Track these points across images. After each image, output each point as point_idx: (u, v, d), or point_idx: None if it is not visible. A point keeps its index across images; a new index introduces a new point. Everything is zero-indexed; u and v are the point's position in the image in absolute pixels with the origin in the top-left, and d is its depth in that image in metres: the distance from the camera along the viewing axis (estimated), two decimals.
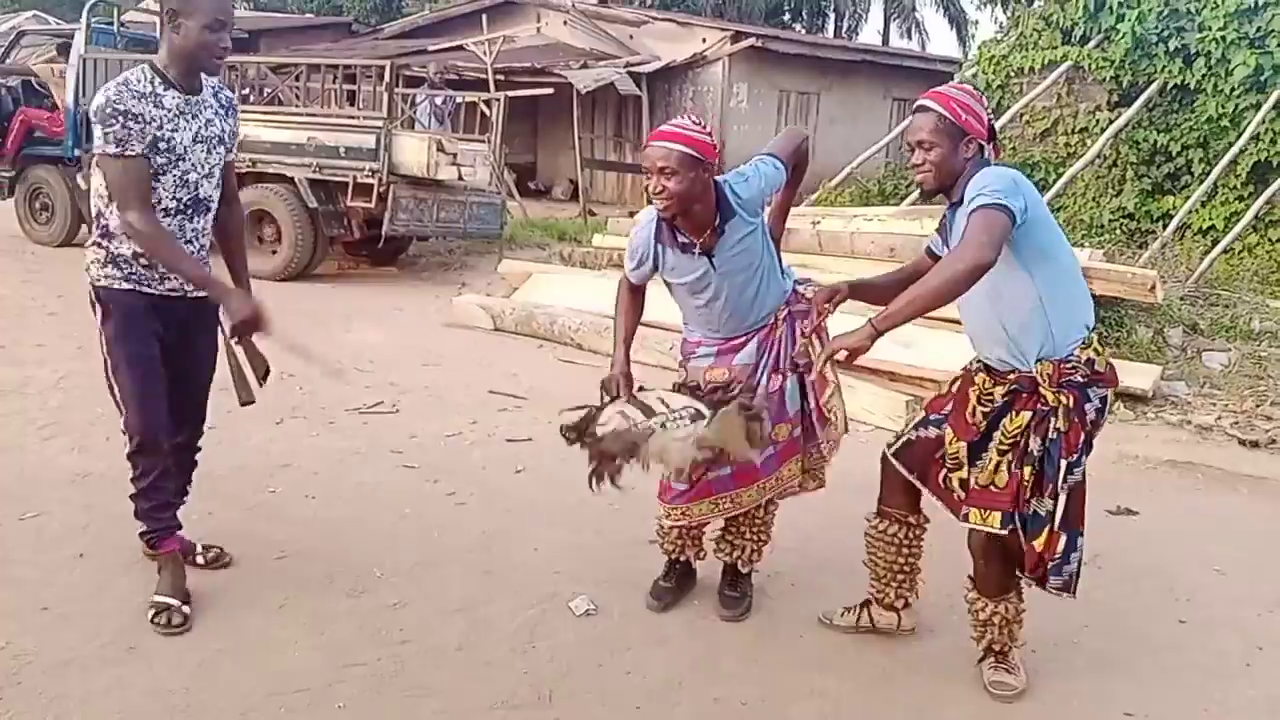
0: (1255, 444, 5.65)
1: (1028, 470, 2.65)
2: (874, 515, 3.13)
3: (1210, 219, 11.09)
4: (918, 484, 3.02)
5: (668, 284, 3.20)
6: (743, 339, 3.14)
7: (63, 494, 4.09)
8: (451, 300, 8.52)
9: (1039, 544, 2.69)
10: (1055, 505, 2.67)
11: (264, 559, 3.61)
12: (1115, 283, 6.60)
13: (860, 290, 2.94)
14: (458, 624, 3.24)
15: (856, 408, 5.81)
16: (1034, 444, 2.64)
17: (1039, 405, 2.64)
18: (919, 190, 2.87)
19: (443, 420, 5.42)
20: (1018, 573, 2.83)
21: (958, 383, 2.94)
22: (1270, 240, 10.85)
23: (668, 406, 2.95)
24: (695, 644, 3.19)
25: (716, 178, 2.97)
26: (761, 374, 3.10)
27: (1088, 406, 2.66)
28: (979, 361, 2.87)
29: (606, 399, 3.08)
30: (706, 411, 2.88)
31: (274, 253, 9.37)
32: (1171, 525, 4.49)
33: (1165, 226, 10.77)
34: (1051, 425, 2.63)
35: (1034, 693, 2.95)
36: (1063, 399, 2.61)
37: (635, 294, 3.26)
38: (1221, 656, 3.30)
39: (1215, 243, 10.35)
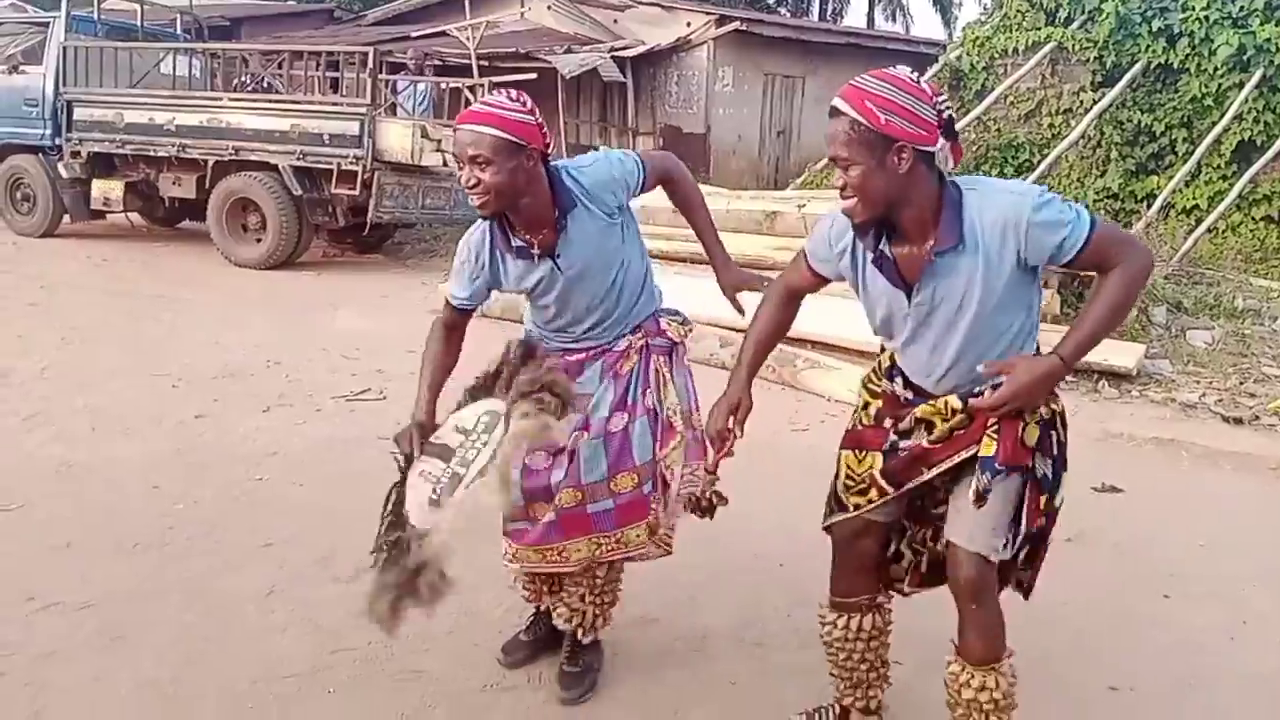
0: (1239, 421, 5.69)
1: (1044, 499, 2.16)
2: (830, 614, 2.46)
3: (1194, 198, 11.15)
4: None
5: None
6: (582, 355, 2.64)
7: (48, 484, 4.06)
8: (438, 287, 8.49)
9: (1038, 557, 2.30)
10: (1049, 523, 2.22)
11: (252, 546, 3.61)
12: None
13: (754, 372, 2.43)
14: (447, 609, 3.18)
15: (842, 388, 5.85)
16: (1044, 467, 2.15)
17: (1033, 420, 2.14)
18: (854, 228, 2.14)
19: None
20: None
21: (868, 411, 2.37)
22: (1254, 219, 10.92)
23: (464, 431, 2.49)
24: (680, 624, 3.20)
25: (555, 163, 2.50)
26: (597, 407, 2.59)
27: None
28: (910, 389, 2.27)
29: (403, 463, 2.59)
30: (501, 407, 2.44)
31: (258, 241, 9.36)
32: (1156, 502, 4.52)
33: (1149, 206, 10.82)
34: (1055, 440, 2.17)
35: (1015, 666, 2.88)
36: (1054, 406, 2.16)
37: (452, 332, 2.70)
38: (1206, 630, 3.32)
39: (1199, 222, 10.41)
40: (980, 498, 2.10)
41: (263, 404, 5.24)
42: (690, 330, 2.78)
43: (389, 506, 2.55)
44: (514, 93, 2.44)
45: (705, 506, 2.58)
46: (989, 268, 2.01)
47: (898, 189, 1.98)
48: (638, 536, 2.63)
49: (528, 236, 2.49)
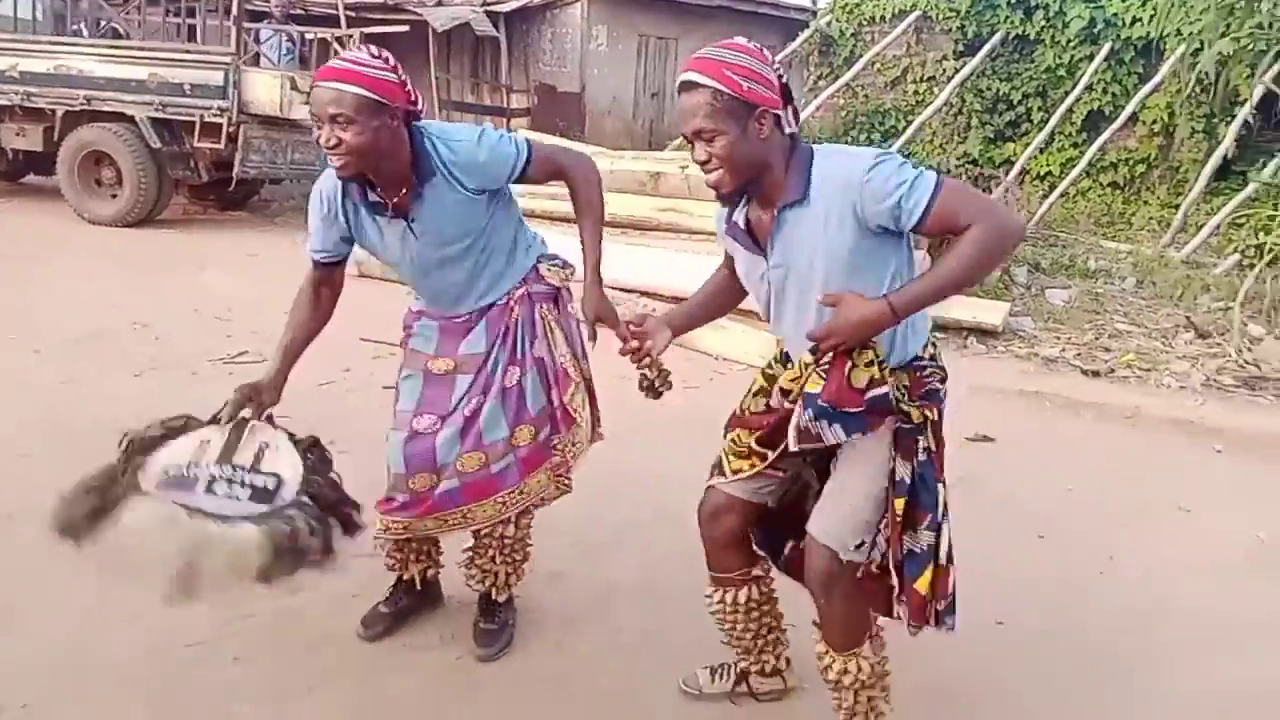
0: (1096, 373, 6.07)
1: (900, 502, 2.10)
2: (710, 588, 2.49)
3: (1048, 165, 11.74)
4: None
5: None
6: (466, 317, 2.60)
7: None
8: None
9: (923, 585, 2.13)
10: (938, 537, 2.13)
11: None
12: None
13: (679, 327, 2.41)
14: (352, 571, 3.14)
15: (730, 347, 5.96)
16: (902, 470, 2.10)
17: (900, 424, 2.09)
18: (715, 196, 2.13)
19: (314, 369, 5.16)
20: (879, 618, 2.31)
21: (758, 398, 2.35)
22: (1102, 185, 11.58)
23: (255, 455, 2.38)
24: (587, 578, 3.24)
25: (423, 125, 2.42)
26: (494, 367, 2.57)
27: (943, 413, 2.18)
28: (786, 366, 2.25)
29: (223, 414, 2.48)
30: (274, 483, 2.33)
31: (114, 196, 8.83)
32: (1025, 450, 4.79)
33: (1008, 172, 11.33)
34: (920, 446, 2.11)
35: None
36: (927, 413, 2.10)
37: (319, 290, 2.63)
38: (1078, 566, 3.57)
39: (1053, 187, 10.97)
40: (802, 435, 2.05)
41: (134, 368, 5.00)
42: (571, 273, 2.74)
43: (133, 444, 2.46)
44: (375, 49, 2.36)
45: (649, 385, 2.38)
46: (830, 227, 2.00)
47: (761, 154, 2.00)
48: (539, 484, 2.64)
49: (384, 195, 2.42)
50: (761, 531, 2.41)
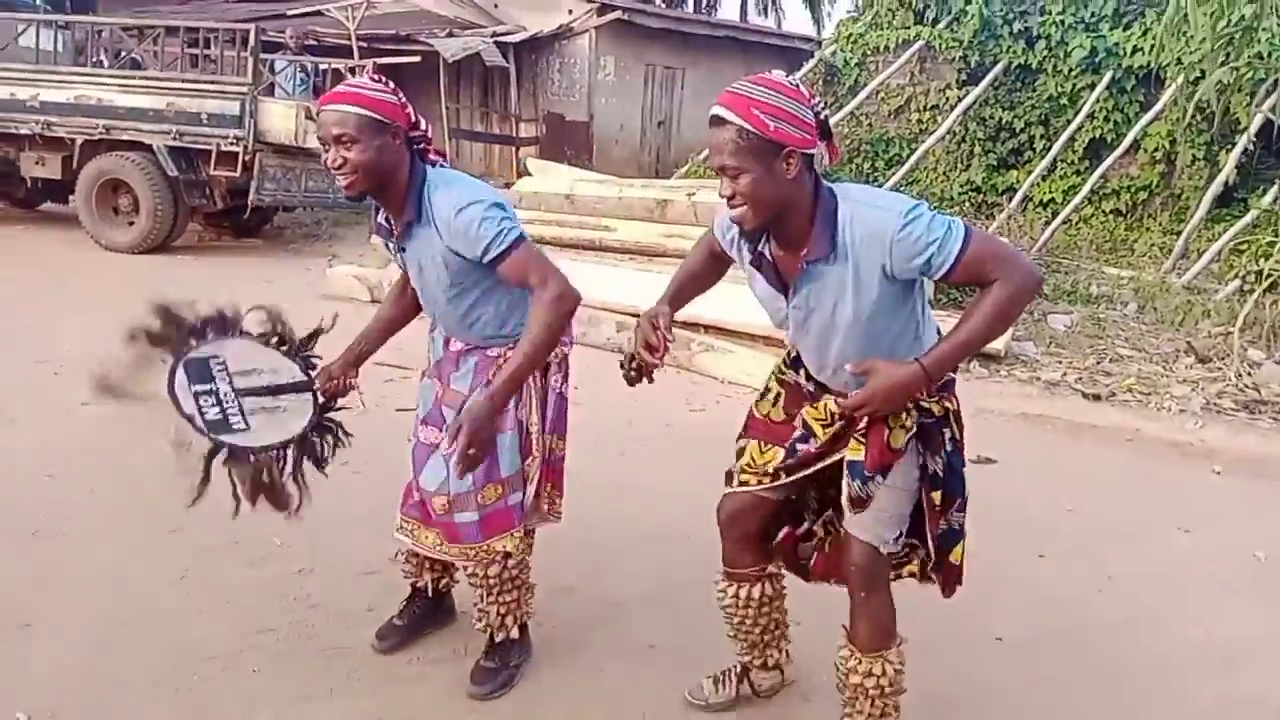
0: (1097, 397, 6.14)
1: (936, 495, 2.21)
2: (722, 581, 2.56)
3: (1050, 192, 11.85)
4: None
5: None
6: (461, 346, 2.62)
7: None
8: (325, 271, 8.35)
9: (956, 556, 2.30)
10: (965, 515, 2.29)
11: (158, 533, 3.54)
12: None
13: (676, 302, 2.44)
14: (366, 587, 3.27)
15: (736, 371, 6.05)
16: (934, 465, 2.19)
17: (922, 419, 2.16)
18: (739, 232, 2.18)
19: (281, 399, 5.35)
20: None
21: (777, 404, 2.42)
22: (1104, 212, 11.69)
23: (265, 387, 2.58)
24: (596, 592, 3.31)
25: (432, 171, 2.46)
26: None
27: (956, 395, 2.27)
28: (811, 381, 2.32)
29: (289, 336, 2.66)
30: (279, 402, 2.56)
31: (131, 224, 8.99)
32: (1028, 471, 4.86)
33: (1010, 199, 11.46)
34: (946, 437, 2.19)
35: (905, 623, 2.64)
36: (947, 404, 2.18)
37: (404, 288, 2.80)
38: (1077, 583, 3.64)
39: (1055, 214, 11.08)
40: (856, 503, 2.18)
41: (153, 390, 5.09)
42: (567, 350, 2.70)
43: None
44: (374, 75, 2.50)
45: (633, 373, 2.37)
46: (858, 279, 2.02)
47: (786, 194, 1.98)
48: (503, 547, 2.61)
49: (390, 218, 2.52)
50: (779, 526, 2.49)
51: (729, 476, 2.49)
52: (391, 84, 2.45)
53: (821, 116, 2.00)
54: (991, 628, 3.23)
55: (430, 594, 2.96)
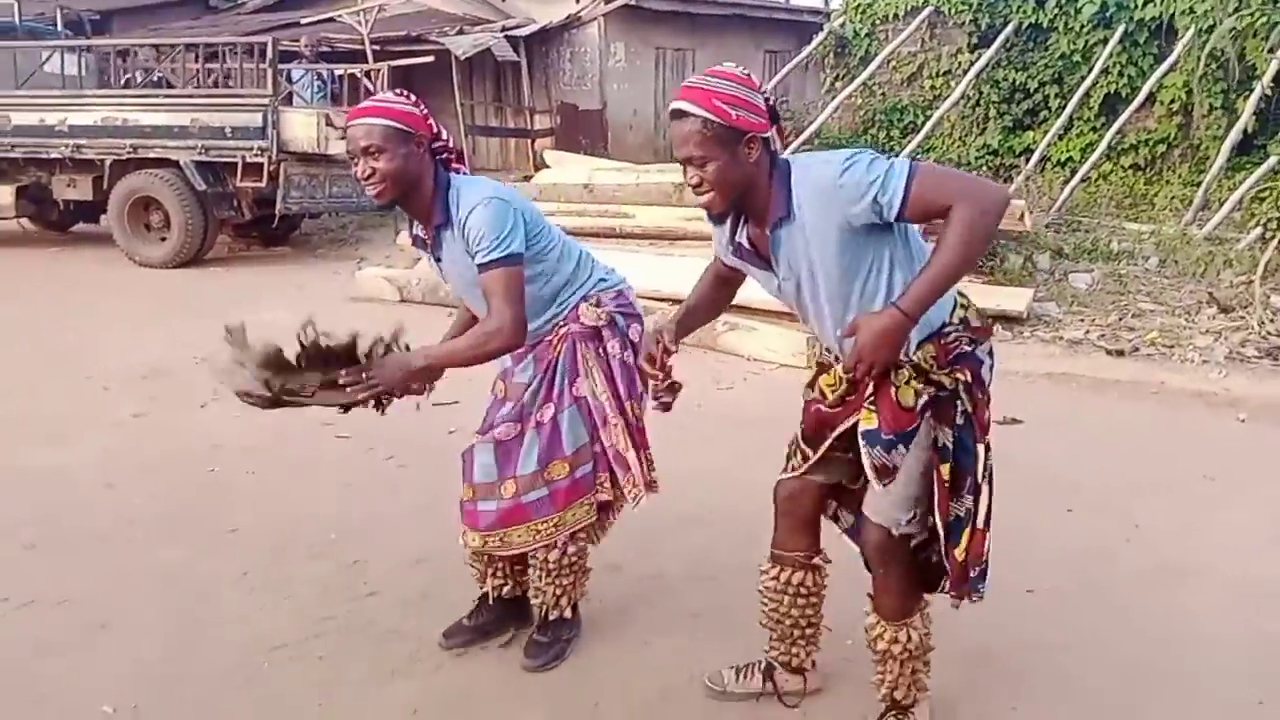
0: (1120, 353, 6.20)
1: (946, 468, 2.22)
2: (768, 564, 2.60)
3: (1068, 151, 11.81)
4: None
5: None
6: (519, 351, 2.70)
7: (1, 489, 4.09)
8: (354, 274, 8.53)
9: (960, 551, 2.26)
10: (976, 500, 2.26)
11: (218, 534, 3.72)
12: None
13: (683, 324, 2.49)
14: (420, 575, 3.42)
15: (761, 348, 6.16)
16: (944, 437, 2.21)
17: (936, 393, 2.19)
18: (707, 215, 2.30)
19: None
20: (925, 594, 2.44)
21: (817, 388, 2.45)
22: (1123, 167, 11.64)
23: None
24: (641, 568, 3.45)
25: (456, 178, 2.58)
26: (532, 400, 2.71)
27: (983, 370, 2.25)
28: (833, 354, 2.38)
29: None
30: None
31: (163, 239, 9.22)
32: (1053, 429, 4.95)
33: (1027, 160, 11.44)
34: (958, 410, 2.21)
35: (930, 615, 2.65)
36: (959, 376, 2.19)
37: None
38: (1104, 535, 3.74)
39: (1074, 173, 11.05)
40: (881, 472, 2.21)
41: (198, 400, 5.28)
42: (612, 307, 2.75)
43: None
44: (398, 89, 2.64)
45: (664, 402, 2.44)
46: (816, 235, 2.10)
47: (749, 176, 2.11)
48: (574, 517, 2.73)
49: (422, 228, 2.63)
50: (844, 514, 2.56)
51: (787, 459, 2.56)
52: (413, 96, 2.57)
53: (770, 101, 2.14)
54: (1023, 581, 3.33)
55: (496, 600, 3.01)
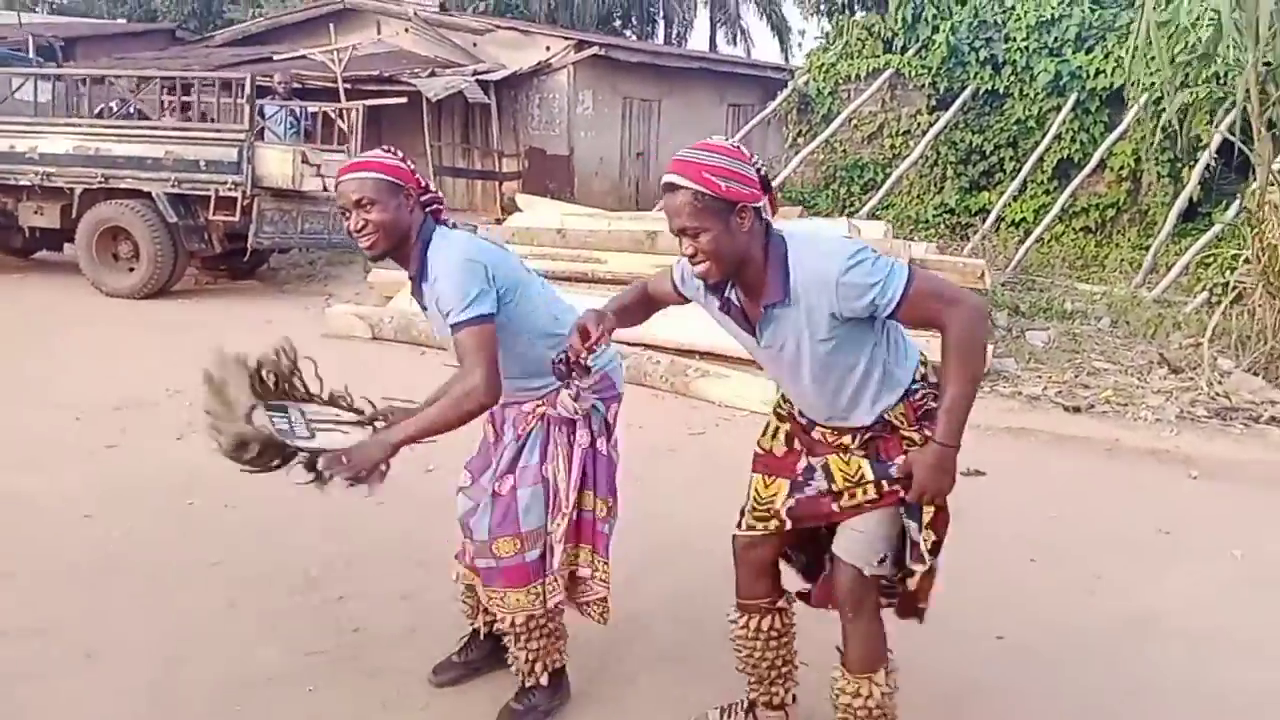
0: (1077, 409, 6.41)
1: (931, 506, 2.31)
2: (735, 613, 2.65)
3: (1022, 212, 12.23)
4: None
5: None
6: (501, 403, 2.69)
7: None
8: (323, 311, 8.54)
9: (912, 581, 2.39)
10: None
11: (200, 565, 3.73)
12: (949, 272, 7.30)
13: (621, 316, 2.52)
14: (404, 611, 3.45)
15: (730, 394, 6.29)
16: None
17: (905, 446, 2.30)
18: (703, 285, 2.32)
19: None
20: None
21: (777, 436, 2.54)
22: (1075, 229, 12.08)
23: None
24: (623, 606, 3.51)
25: (447, 232, 2.60)
26: (494, 467, 2.73)
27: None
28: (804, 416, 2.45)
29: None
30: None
31: (131, 270, 9.13)
32: (1014, 482, 5.11)
33: (983, 220, 11.81)
34: None
35: (907, 628, 2.72)
36: (928, 433, 2.26)
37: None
38: (1068, 586, 3.88)
39: (1028, 233, 11.44)
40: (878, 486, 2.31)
41: (173, 432, 5.27)
42: (585, 407, 2.66)
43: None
44: (386, 145, 2.70)
45: (569, 366, 2.41)
46: (810, 320, 2.19)
47: (744, 246, 2.16)
48: (517, 602, 2.67)
49: (412, 276, 2.64)
50: (796, 554, 2.65)
51: (741, 514, 2.60)
52: (400, 151, 2.64)
53: (762, 171, 2.19)
54: (991, 628, 3.45)
55: (485, 636, 3.00)
